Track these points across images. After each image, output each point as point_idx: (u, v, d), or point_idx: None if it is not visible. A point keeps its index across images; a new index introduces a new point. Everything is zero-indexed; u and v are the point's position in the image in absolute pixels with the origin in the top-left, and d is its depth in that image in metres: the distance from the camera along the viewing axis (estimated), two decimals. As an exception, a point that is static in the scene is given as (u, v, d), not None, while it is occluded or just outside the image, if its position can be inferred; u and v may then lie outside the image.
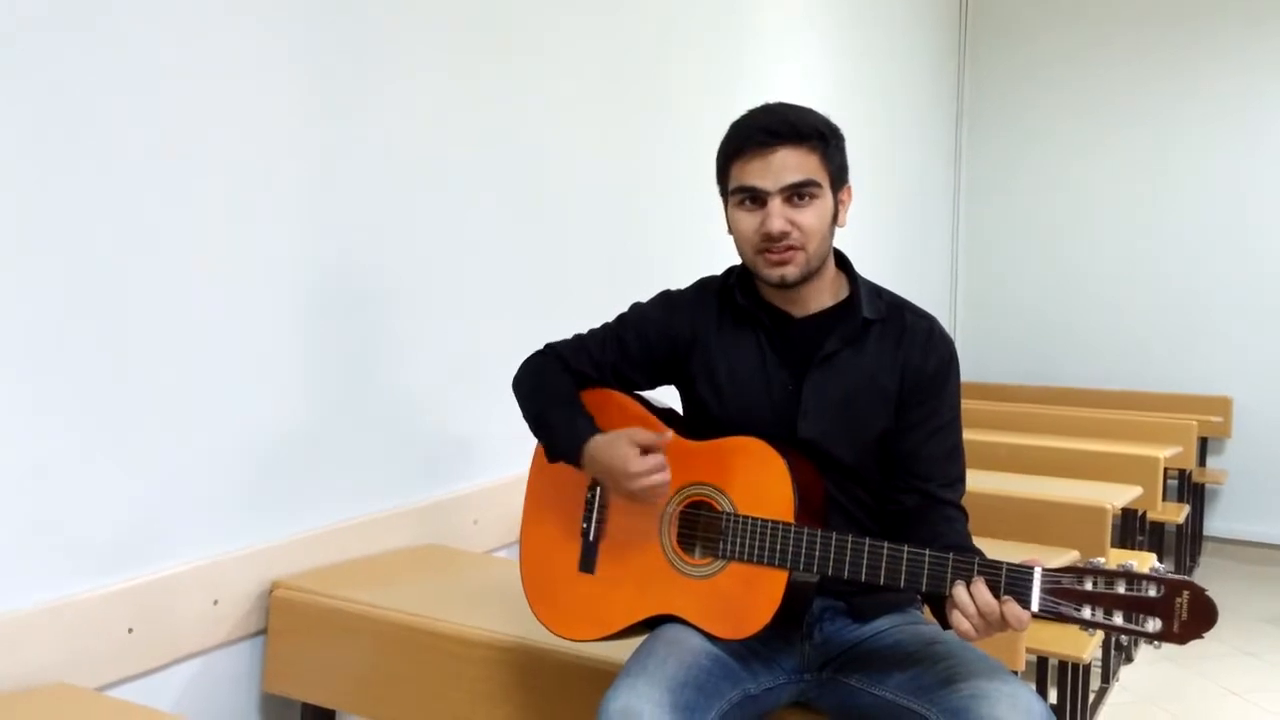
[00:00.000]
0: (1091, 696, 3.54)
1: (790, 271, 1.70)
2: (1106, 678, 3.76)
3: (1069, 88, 6.15)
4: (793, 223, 1.68)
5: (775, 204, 1.68)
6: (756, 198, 1.70)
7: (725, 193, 1.77)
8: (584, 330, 1.92)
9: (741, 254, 1.77)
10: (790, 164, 1.67)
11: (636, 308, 1.90)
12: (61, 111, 1.84)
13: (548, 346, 1.91)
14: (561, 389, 1.84)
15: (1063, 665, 3.12)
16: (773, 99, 1.79)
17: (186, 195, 2.05)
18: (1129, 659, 3.99)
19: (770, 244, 1.69)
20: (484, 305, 2.82)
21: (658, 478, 1.68)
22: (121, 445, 1.97)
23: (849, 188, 1.78)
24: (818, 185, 1.69)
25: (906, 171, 5.79)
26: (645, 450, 1.69)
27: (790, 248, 1.68)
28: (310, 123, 2.30)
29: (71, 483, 1.89)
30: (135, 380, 1.98)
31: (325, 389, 2.39)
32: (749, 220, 1.71)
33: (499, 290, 2.87)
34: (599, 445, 1.72)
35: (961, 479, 1.76)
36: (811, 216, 1.68)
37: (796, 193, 1.68)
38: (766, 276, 1.73)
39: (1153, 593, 1.40)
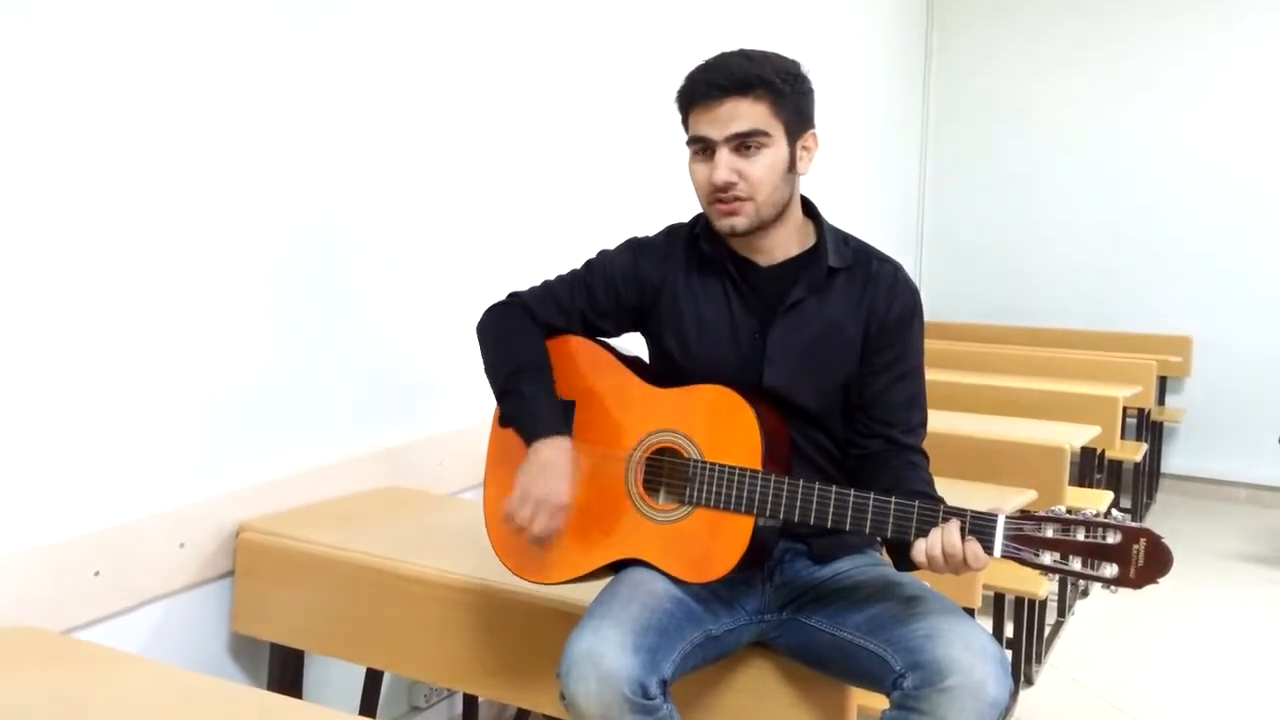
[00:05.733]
0: (1047, 630, 3.63)
1: (739, 222, 1.71)
2: (1062, 611, 3.85)
3: (1036, 30, 6.13)
4: (740, 173, 1.67)
5: (723, 154, 1.68)
6: (707, 148, 1.70)
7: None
8: (551, 277, 1.91)
9: (700, 203, 1.77)
10: (737, 114, 1.66)
11: (604, 255, 1.89)
12: (17, 52, 1.80)
13: (513, 295, 1.90)
14: (531, 352, 1.82)
15: (1019, 601, 3.19)
16: (732, 37, 1.78)
17: (154, 143, 2.02)
18: (1085, 593, 4.08)
19: (719, 194, 1.69)
20: (451, 249, 2.80)
21: (552, 525, 1.69)
22: (89, 389, 1.95)
23: (813, 134, 1.76)
24: (765, 135, 1.68)
25: (874, 113, 5.76)
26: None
27: (737, 198, 1.69)
28: (280, 68, 2.26)
29: (38, 428, 1.88)
30: (101, 327, 1.97)
31: (291, 333, 2.37)
32: (701, 170, 1.72)
33: (466, 234, 2.85)
34: (564, 454, 1.71)
35: (923, 424, 1.79)
36: (759, 167, 1.68)
37: (743, 142, 1.67)
38: (718, 227, 1.74)
39: (1110, 539, 1.44)
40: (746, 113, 1.67)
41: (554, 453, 1.71)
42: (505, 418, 1.81)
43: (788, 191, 1.74)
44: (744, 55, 1.70)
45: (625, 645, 1.51)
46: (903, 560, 1.59)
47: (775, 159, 1.69)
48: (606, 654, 1.50)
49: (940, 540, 1.51)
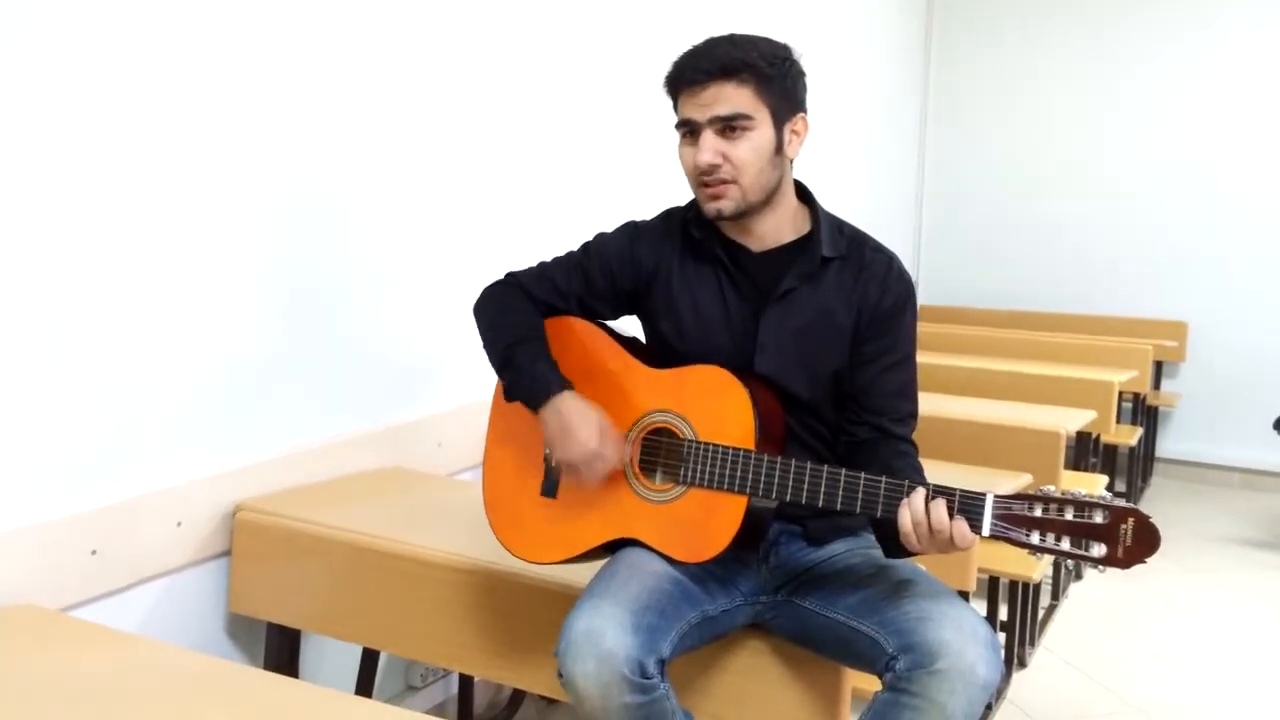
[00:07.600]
0: (1041, 613, 3.64)
1: (725, 205, 1.71)
2: (1056, 594, 3.86)
3: (1036, 17, 6.13)
4: (724, 155, 1.68)
5: (707, 136, 1.68)
6: (693, 131, 1.71)
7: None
8: (547, 258, 1.92)
9: (690, 187, 1.78)
10: (720, 97, 1.67)
11: (601, 237, 1.89)
12: (10, 37, 1.80)
13: (510, 275, 1.90)
14: (527, 326, 1.83)
15: (1013, 584, 3.20)
16: (729, 25, 1.77)
17: (147, 125, 2.02)
18: (1079, 576, 4.10)
19: (704, 176, 1.70)
20: (449, 230, 2.80)
21: (608, 466, 1.71)
22: (85, 369, 1.96)
23: (803, 118, 1.76)
24: (749, 118, 1.68)
25: (872, 95, 5.75)
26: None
27: (723, 181, 1.69)
28: (272, 48, 2.26)
29: (35, 407, 1.88)
30: (99, 304, 1.97)
31: (289, 312, 2.38)
32: (688, 153, 1.73)
33: (464, 215, 2.85)
34: (570, 406, 1.72)
35: (914, 414, 1.79)
36: (744, 149, 1.68)
37: (728, 125, 1.68)
38: (705, 210, 1.75)
39: (1099, 519, 1.45)
40: (730, 96, 1.67)
41: (565, 408, 1.72)
42: (508, 390, 1.82)
43: (776, 175, 1.74)
44: (731, 40, 1.70)
45: (624, 624, 1.52)
46: (894, 548, 1.60)
47: (760, 142, 1.69)
48: (606, 633, 1.51)
49: (927, 515, 1.51)
